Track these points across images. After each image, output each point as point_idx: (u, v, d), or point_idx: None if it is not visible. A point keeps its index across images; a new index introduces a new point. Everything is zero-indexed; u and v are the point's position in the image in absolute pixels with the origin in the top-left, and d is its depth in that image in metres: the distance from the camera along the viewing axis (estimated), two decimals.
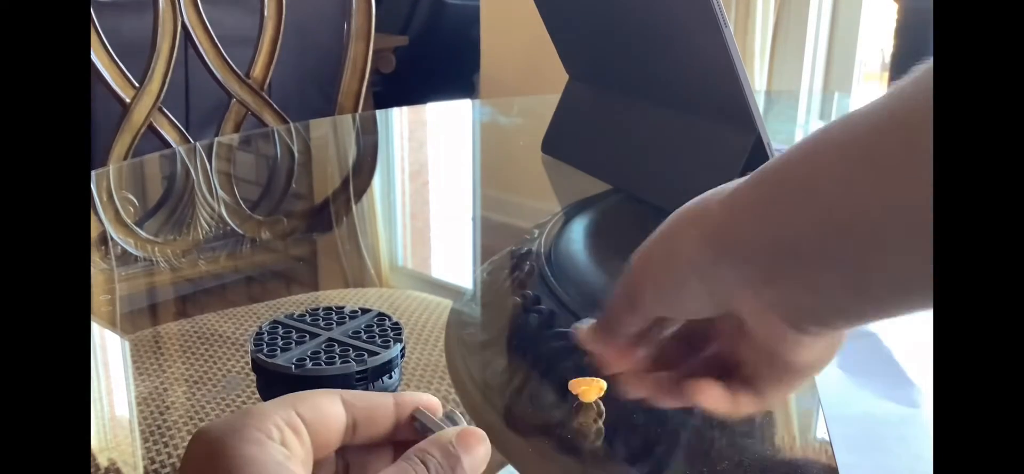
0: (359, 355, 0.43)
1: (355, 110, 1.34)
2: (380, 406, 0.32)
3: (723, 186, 0.34)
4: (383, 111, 1.51)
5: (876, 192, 0.28)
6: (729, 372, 0.37)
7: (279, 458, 0.28)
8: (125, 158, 1.14)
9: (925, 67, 0.27)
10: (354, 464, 0.33)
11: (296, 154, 1.18)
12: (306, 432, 0.30)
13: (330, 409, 0.31)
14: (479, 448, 0.31)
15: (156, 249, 0.81)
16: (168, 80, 1.17)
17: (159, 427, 0.50)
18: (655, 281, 0.36)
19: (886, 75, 2.32)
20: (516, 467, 0.47)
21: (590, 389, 0.48)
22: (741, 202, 0.33)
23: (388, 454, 0.33)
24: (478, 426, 0.32)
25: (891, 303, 0.30)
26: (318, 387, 0.42)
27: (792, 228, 0.31)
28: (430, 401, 0.33)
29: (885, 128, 0.28)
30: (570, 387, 0.49)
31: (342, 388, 0.43)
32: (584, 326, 0.40)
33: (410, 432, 0.33)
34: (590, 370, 0.41)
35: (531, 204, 0.97)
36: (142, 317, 0.70)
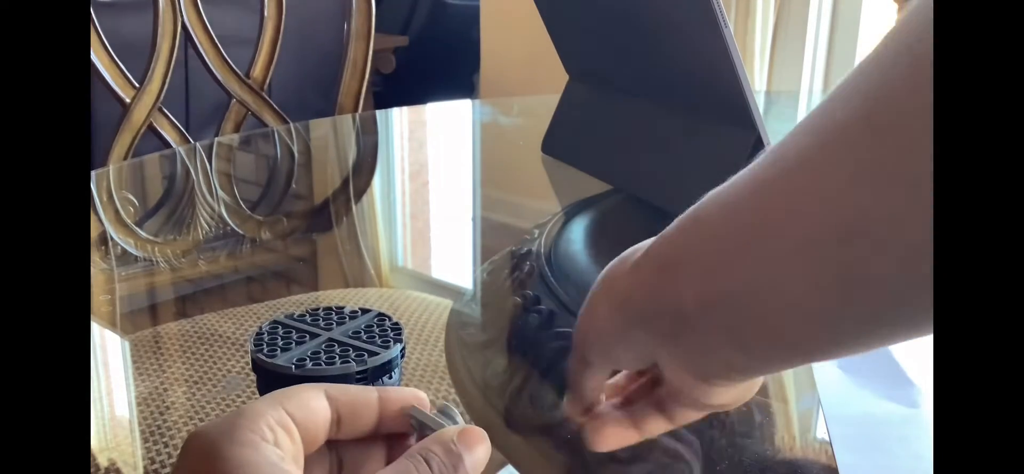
0: (359, 355, 0.43)
1: (355, 110, 1.34)
2: (363, 400, 0.33)
3: (637, 248, 0.37)
4: (383, 111, 1.51)
5: (751, 269, 0.30)
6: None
7: (273, 459, 0.28)
8: (125, 158, 1.14)
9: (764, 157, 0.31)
10: (347, 460, 0.33)
11: (296, 154, 1.18)
12: (296, 430, 0.30)
13: (316, 404, 0.31)
14: (480, 446, 0.31)
15: (156, 249, 0.81)
16: (168, 80, 1.17)
17: (159, 427, 0.50)
18: (595, 341, 0.38)
19: None
20: (516, 467, 0.47)
21: None
22: (640, 276, 0.35)
23: (381, 450, 0.34)
24: (478, 426, 0.32)
25: (776, 359, 0.33)
26: None
27: (679, 300, 0.33)
28: (417, 395, 0.34)
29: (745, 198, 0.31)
30: None
31: None
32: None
33: (397, 426, 0.33)
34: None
35: (531, 204, 0.97)
36: (142, 317, 0.70)
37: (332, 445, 0.33)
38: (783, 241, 0.29)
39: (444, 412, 0.33)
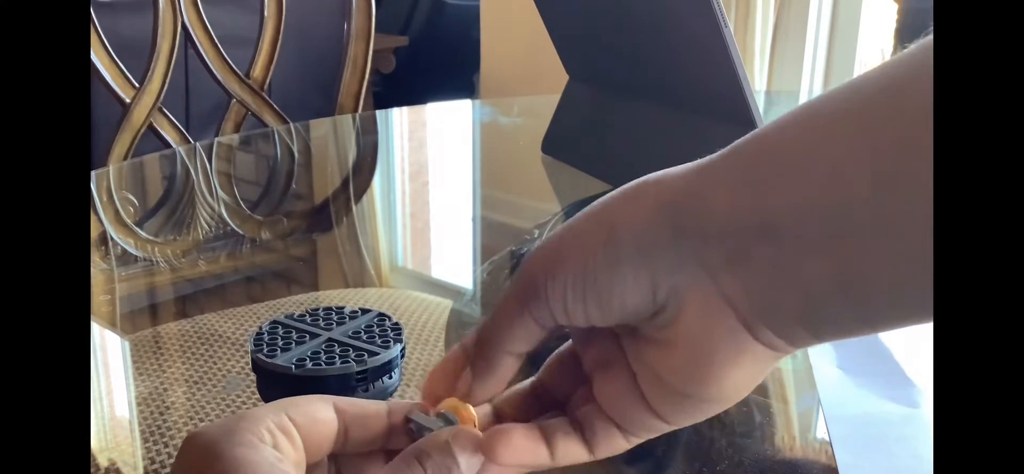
0: (359, 355, 0.43)
1: (355, 110, 1.34)
2: (373, 413, 0.32)
3: (683, 165, 0.30)
4: (383, 111, 1.51)
5: (875, 168, 0.25)
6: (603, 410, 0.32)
7: (271, 460, 0.28)
8: (125, 158, 1.14)
9: (925, 40, 0.25)
10: (346, 468, 0.33)
11: (296, 154, 1.18)
12: (298, 436, 0.30)
13: (322, 414, 0.31)
14: (476, 448, 0.31)
15: (156, 249, 0.81)
16: (168, 80, 1.17)
17: (159, 427, 0.50)
18: (571, 266, 0.29)
19: None
20: None
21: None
22: (711, 173, 0.28)
23: (381, 462, 0.33)
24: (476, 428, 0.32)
25: (876, 312, 0.26)
26: (318, 387, 0.43)
27: (773, 205, 0.26)
28: (425, 405, 0.33)
29: (884, 98, 0.25)
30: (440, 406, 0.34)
31: (342, 388, 0.43)
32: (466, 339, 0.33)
33: (404, 441, 0.32)
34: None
35: (531, 204, 0.97)
36: (142, 317, 0.70)
37: (332, 456, 0.32)
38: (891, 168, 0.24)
39: (445, 417, 0.32)
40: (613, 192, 0.30)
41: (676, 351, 0.29)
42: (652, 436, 0.32)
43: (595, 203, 0.30)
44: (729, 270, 0.28)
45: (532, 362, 0.34)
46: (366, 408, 0.32)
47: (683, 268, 0.28)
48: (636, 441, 0.32)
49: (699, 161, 0.29)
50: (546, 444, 0.32)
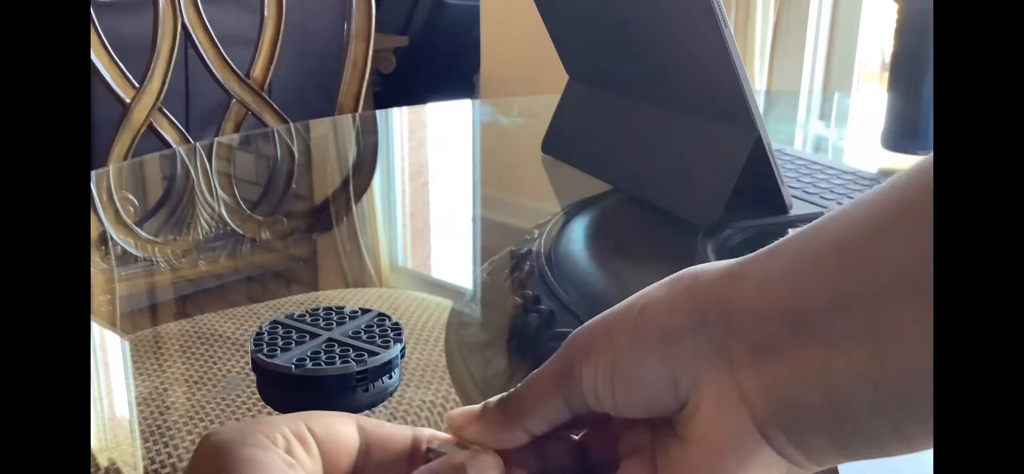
0: (359, 355, 0.43)
1: (355, 110, 1.34)
2: (396, 437, 0.31)
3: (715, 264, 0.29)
4: (383, 111, 1.51)
5: (909, 247, 0.24)
6: None
7: (280, 463, 0.28)
8: (125, 158, 1.14)
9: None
10: None
11: (296, 154, 1.18)
12: (316, 447, 0.30)
13: (342, 429, 0.31)
14: (491, 472, 0.30)
15: (156, 249, 0.81)
16: (168, 80, 1.17)
17: (159, 427, 0.50)
18: (605, 350, 0.29)
19: (886, 75, 2.32)
20: None
21: None
22: (749, 264, 0.28)
23: None
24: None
25: (908, 418, 0.25)
26: (318, 387, 0.43)
27: (809, 297, 0.26)
28: (447, 438, 0.32)
29: (917, 187, 0.25)
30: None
31: (342, 388, 0.43)
32: (458, 412, 0.32)
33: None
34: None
35: (531, 204, 0.97)
36: (142, 317, 0.70)
37: None
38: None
39: (467, 447, 0.32)
40: (655, 286, 0.30)
41: (690, 449, 0.28)
42: None
43: (632, 298, 0.30)
44: (752, 364, 0.27)
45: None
46: (390, 431, 0.31)
47: (704, 358, 0.28)
48: None
49: (736, 260, 0.29)
50: None
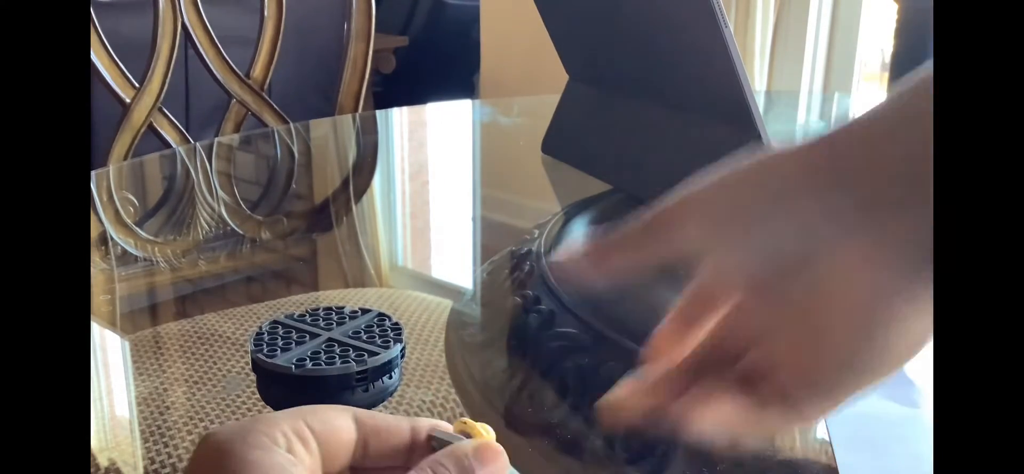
0: (359, 355, 0.43)
1: (355, 110, 1.34)
2: (394, 428, 0.31)
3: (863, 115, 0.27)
4: (383, 111, 1.51)
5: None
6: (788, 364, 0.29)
7: (283, 463, 0.28)
8: (125, 158, 1.14)
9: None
10: None
11: (296, 154, 1.18)
12: (314, 443, 0.30)
13: (340, 423, 0.31)
14: (496, 463, 0.30)
15: (156, 249, 0.81)
16: (168, 80, 1.17)
17: (159, 427, 0.50)
18: (717, 213, 0.28)
19: (886, 75, 2.32)
20: (516, 467, 0.47)
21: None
22: (862, 127, 0.27)
23: None
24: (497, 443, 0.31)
25: None
26: (318, 387, 0.43)
27: (916, 152, 0.25)
28: (446, 427, 0.32)
29: None
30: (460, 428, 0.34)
31: (342, 388, 0.43)
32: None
33: (426, 456, 0.31)
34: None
35: (531, 204, 0.96)
36: (142, 317, 0.70)
37: (353, 469, 0.32)
38: None
39: (467, 436, 0.31)
40: (749, 160, 0.28)
41: (821, 312, 0.27)
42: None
43: (726, 171, 0.29)
44: (894, 216, 0.26)
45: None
46: (387, 422, 0.31)
47: (839, 216, 0.26)
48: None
49: (833, 128, 0.27)
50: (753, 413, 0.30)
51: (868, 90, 2.30)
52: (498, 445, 0.31)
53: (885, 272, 0.26)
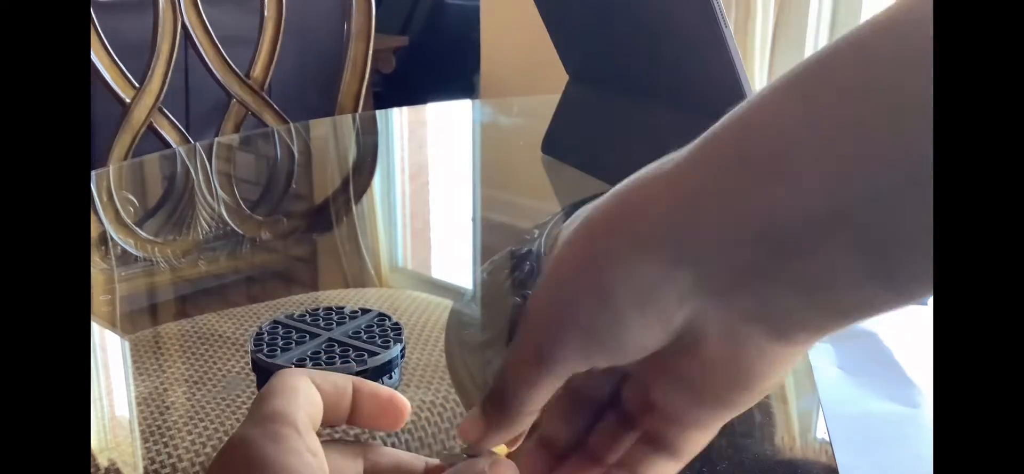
0: (359, 355, 0.43)
1: (355, 110, 1.34)
2: (340, 385, 0.31)
3: (643, 174, 0.27)
4: (383, 111, 1.51)
5: (899, 143, 0.22)
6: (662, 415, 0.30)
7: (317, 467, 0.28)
8: (125, 158, 1.14)
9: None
10: None
11: (296, 154, 1.18)
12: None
13: (315, 395, 0.30)
14: None
15: (156, 249, 0.81)
16: (168, 80, 1.17)
17: (159, 427, 0.50)
18: (579, 323, 0.27)
19: None
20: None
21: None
22: (696, 190, 0.25)
23: None
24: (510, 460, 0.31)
25: (907, 290, 0.24)
26: None
27: (778, 214, 0.24)
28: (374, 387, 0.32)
29: (889, 52, 0.23)
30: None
31: None
32: (467, 419, 0.31)
33: (373, 411, 0.31)
34: None
35: (531, 204, 0.96)
36: (142, 317, 0.70)
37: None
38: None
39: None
40: (588, 225, 0.28)
41: (709, 371, 0.27)
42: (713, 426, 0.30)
43: (573, 245, 0.28)
44: (741, 292, 0.25)
45: None
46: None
47: (689, 300, 0.26)
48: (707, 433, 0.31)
49: (668, 172, 0.26)
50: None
51: None
52: (512, 463, 0.31)
53: (744, 347, 0.26)
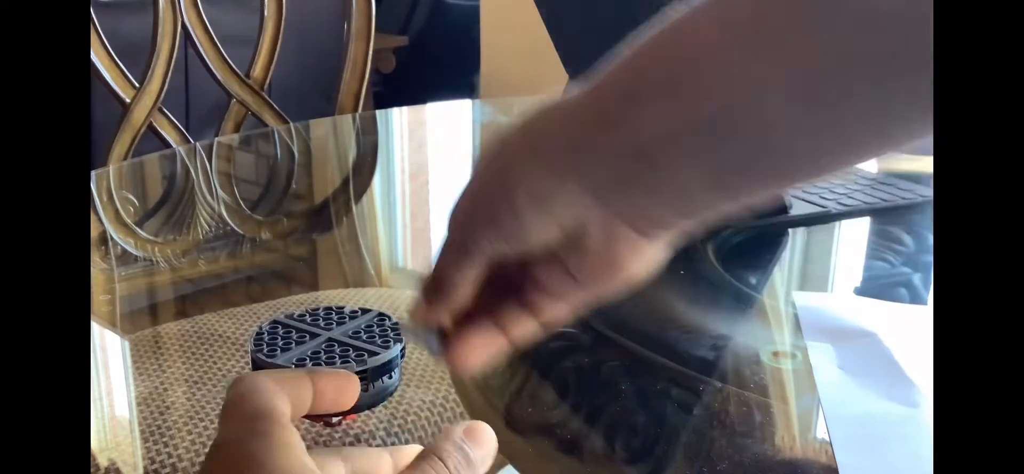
0: (359, 355, 0.43)
1: (355, 110, 1.34)
2: (298, 382, 0.34)
3: (548, 103, 0.33)
4: (383, 111, 1.51)
5: (761, 68, 0.28)
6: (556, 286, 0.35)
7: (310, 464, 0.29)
8: (125, 158, 1.14)
9: None
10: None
11: (296, 154, 1.18)
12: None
13: (303, 391, 0.34)
14: (487, 441, 0.32)
15: (156, 249, 0.81)
16: (168, 80, 1.17)
17: (159, 427, 0.50)
18: (491, 219, 0.33)
19: None
20: (516, 467, 0.47)
21: None
22: (587, 114, 0.32)
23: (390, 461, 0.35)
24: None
25: (749, 187, 0.31)
26: None
27: (652, 131, 0.30)
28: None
29: None
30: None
31: None
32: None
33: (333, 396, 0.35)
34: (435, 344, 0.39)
35: None
36: (142, 317, 0.70)
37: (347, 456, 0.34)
38: (759, 48, 0.28)
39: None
40: (504, 141, 0.34)
41: (588, 260, 0.33)
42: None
43: (491, 157, 0.34)
44: (615, 193, 0.31)
45: None
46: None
47: (574, 200, 0.32)
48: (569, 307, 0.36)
49: (569, 99, 0.32)
50: (503, 333, 0.36)
51: None
52: (485, 423, 0.33)
53: (619, 241, 0.33)
